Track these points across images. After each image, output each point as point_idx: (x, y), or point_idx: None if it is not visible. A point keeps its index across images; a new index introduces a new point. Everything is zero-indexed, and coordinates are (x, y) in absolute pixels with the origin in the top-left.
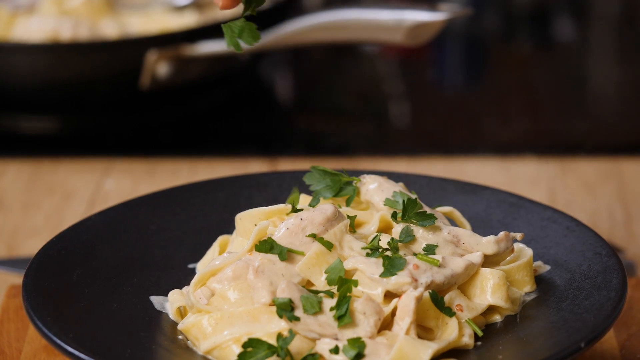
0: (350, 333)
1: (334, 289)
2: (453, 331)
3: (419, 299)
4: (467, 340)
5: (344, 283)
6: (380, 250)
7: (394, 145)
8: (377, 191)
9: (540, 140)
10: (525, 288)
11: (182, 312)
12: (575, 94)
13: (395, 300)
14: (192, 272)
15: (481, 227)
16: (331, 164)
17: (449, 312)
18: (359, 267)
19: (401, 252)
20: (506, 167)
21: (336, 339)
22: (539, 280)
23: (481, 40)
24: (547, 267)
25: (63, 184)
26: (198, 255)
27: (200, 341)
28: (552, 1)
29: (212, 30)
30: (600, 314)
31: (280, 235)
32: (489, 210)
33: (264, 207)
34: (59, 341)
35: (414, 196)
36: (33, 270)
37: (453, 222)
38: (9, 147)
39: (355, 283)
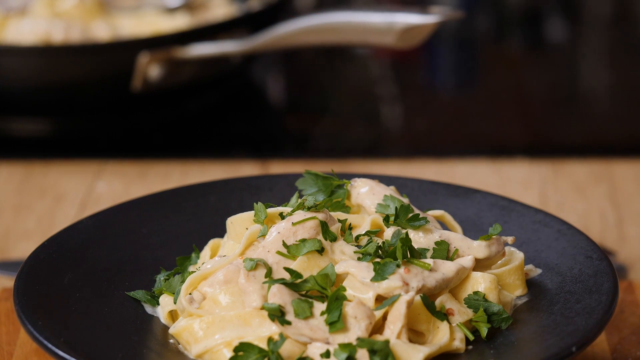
0: (341, 337)
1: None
2: (444, 335)
3: (410, 303)
4: (459, 344)
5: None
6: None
7: (385, 148)
8: (368, 195)
9: (532, 143)
10: (517, 292)
11: (173, 316)
12: (567, 96)
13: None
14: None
15: (472, 231)
16: (323, 167)
17: (440, 316)
18: (350, 271)
19: (396, 255)
20: (498, 170)
21: (327, 342)
22: (530, 283)
23: (473, 43)
24: (539, 271)
25: (55, 187)
26: None
27: (192, 345)
28: (543, 3)
29: (203, 33)
30: (592, 317)
31: (271, 239)
32: (480, 213)
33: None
34: (50, 345)
35: (405, 200)
36: (24, 273)
37: (444, 226)
38: (0, 149)
39: (344, 289)
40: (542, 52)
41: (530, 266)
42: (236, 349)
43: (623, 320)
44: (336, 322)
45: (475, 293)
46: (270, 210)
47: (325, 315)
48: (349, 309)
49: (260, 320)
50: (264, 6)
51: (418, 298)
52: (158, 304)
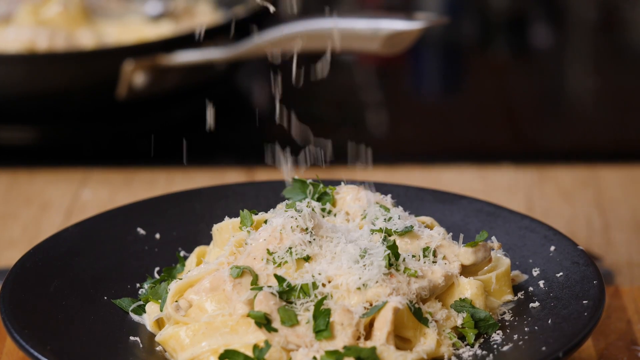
0: (328, 344)
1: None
2: (431, 342)
3: (396, 310)
4: (445, 350)
5: (320, 299)
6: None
7: (371, 155)
8: (353, 201)
9: (517, 149)
10: (503, 297)
11: (159, 324)
12: (552, 102)
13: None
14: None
15: (459, 237)
16: (308, 174)
17: (427, 322)
18: (336, 278)
19: (382, 262)
20: (483, 176)
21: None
22: (517, 289)
23: (458, 49)
24: (525, 277)
25: (40, 195)
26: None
27: (178, 353)
28: (529, 9)
29: (188, 40)
30: (578, 323)
31: (256, 246)
32: (466, 219)
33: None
34: (36, 353)
35: (391, 206)
36: (10, 281)
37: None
38: None
39: (330, 296)
40: (527, 58)
41: (516, 272)
42: (221, 356)
43: (610, 325)
44: (323, 330)
45: (462, 299)
46: (256, 217)
47: (311, 323)
48: (336, 316)
49: (246, 328)
50: (249, 13)
51: (405, 304)
52: (144, 312)
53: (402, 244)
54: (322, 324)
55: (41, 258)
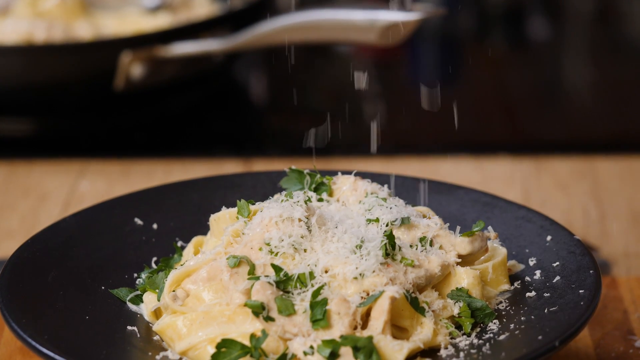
0: (325, 333)
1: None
2: (428, 331)
3: (393, 299)
4: (442, 339)
5: (317, 289)
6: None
7: (368, 146)
8: (350, 191)
9: (514, 140)
10: (500, 287)
11: (157, 313)
12: (549, 93)
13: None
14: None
15: (455, 227)
16: (305, 165)
17: (423, 311)
18: (333, 268)
19: (379, 252)
20: (480, 167)
21: (311, 338)
22: (514, 279)
23: (455, 40)
24: (522, 266)
25: (38, 186)
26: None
27: (176, 342)
28: (526, 1)
29: (186, 32)
30: (575, 312)
31: (254, 235)
32: (463, 209)
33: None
34: (34, 343)
35: (387, 196)
36: (8, 272)
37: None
38: None
39: (327, 285)
40: (524, 50)
41: (513, 262)
42: (219, 346)
43: (606, 315)
44: (320, 319)
45: (459, 289)
46: (253, 207)
47: (308, 312)
48: (332, 305)
49: (243, 317)
50: (246, 5)
51: (401, 294)
52: (142, 302)
53: (399, 234)
54: (319, 313)
55: (39, 248)
